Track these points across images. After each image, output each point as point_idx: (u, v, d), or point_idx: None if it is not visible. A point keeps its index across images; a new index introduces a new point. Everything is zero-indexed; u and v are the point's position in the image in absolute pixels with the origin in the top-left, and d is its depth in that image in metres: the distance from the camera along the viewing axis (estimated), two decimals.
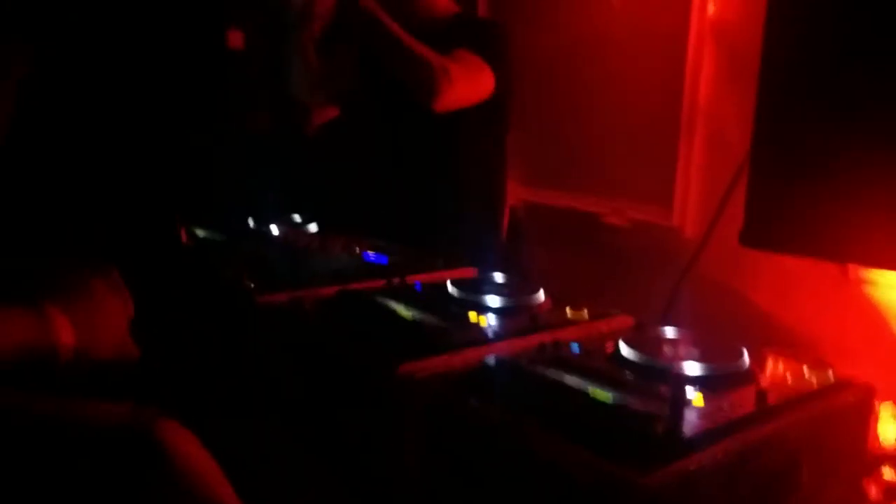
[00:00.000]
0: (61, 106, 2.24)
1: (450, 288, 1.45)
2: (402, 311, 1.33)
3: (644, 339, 1.20)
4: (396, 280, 1.52)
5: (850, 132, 0.93)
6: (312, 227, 2.01)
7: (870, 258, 0.91)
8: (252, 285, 1.48)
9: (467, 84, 1.97)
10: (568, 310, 1.39)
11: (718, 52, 2.44)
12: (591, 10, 2.77)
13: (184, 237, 1.83)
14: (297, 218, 2.06)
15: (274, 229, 1.96)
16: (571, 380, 1.02)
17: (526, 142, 3.00)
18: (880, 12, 0.92)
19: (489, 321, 1.31)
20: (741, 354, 1.11)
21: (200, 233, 1.91)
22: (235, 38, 2.28)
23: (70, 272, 1.08)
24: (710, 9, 2.42)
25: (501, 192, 2.32)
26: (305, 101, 2.19)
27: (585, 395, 0.97)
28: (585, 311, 1.39)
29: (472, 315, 1.32)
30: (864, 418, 1.09)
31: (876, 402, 1.40)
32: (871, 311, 2.06)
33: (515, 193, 3.07)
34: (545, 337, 1.22)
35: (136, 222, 2.05)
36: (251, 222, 2.00)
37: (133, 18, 2.38)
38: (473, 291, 1.42)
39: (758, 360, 1.14)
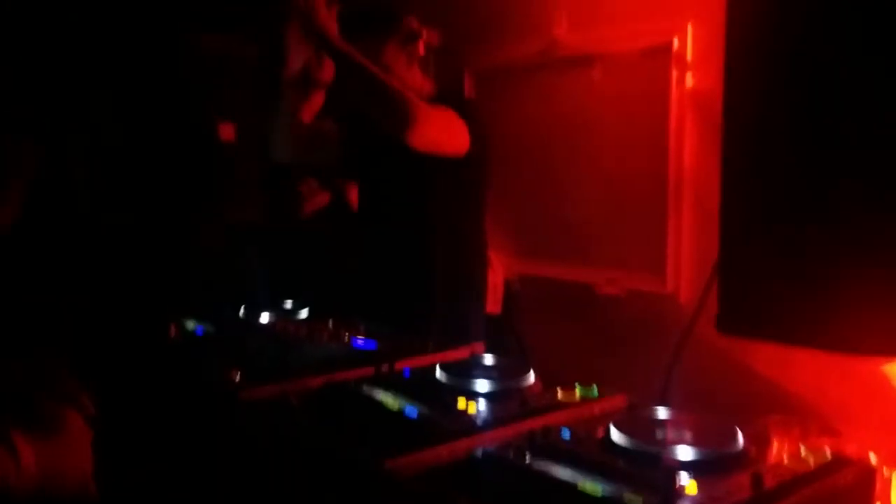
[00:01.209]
0: (60, 200, 2.27)
1: (438, 374, 1.42)
2: (390, 401, 1.30)
3: (636, 422, 1.17)
4: (385, 367, 1.49)
5: (819, 217, 0.93)
6: (303, 314, 1.99)
7: (848, 345, 0.90)
8: (237, 379, 1.46)
9: (441, 125, 1.99)
10: (559, 391, 1.37)
11: (700, 121, 2.47)
12: (574, 85, 2.82)
13: (172, 331, 1.81)
14: (288, 304, 2.05)
15: (264, 317, 1.95)
16: (561, 472, 0.99)
17: (519, 215, 3.02)
18: (843, 98, 0.94)
19: (478, 407, 1.28)
20: (736, 436, 1.08)
21: (190, 324, 1.90)
22: (227, 131, 2.32)
23: (46, 400, 1.07)
24: (689, 81, 2.47)
25: (484, 267, 2.31)
26: (286, 163, 2.22)
27: (575, 489, 0.94)
28: (577, 392, 1.37)
29: (461, 401, 1.29)
30: (866, 497, 1.05)
31: (885, 469, 1.36)
32: (875, 375, 2.03)
33: (510, 266, 3.07)
34: (535, 423, 1.19)
35: (125, 317, 2.04)
36: (241, 311, 1.99)
37: (130, 113, 2.43)
38: (462, 376, 1.39)
39: (754, 439, 1.10)
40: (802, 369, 2.18)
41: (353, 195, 2.52)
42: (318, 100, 2.10)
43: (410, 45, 2.14)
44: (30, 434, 0.99)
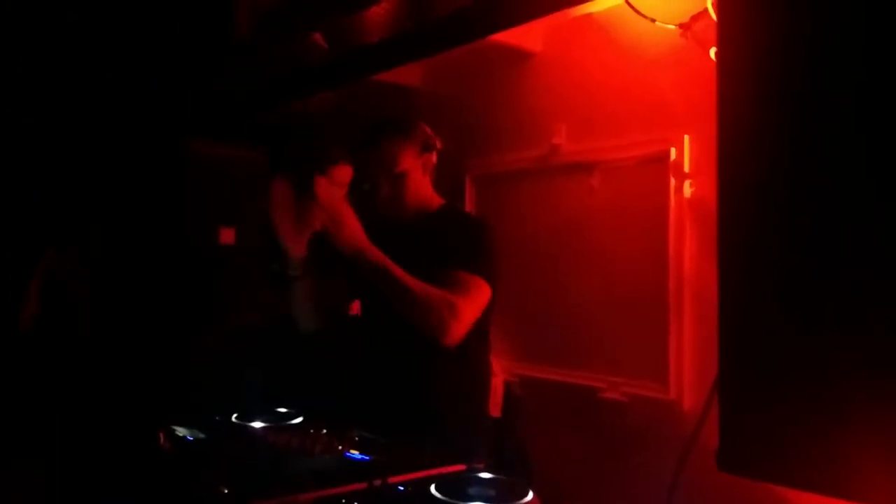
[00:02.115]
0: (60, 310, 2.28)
1: (433, 491, 1.38)
2: None
3: None
4: (378, 482, 1.45)
5: (823, 351, 0.91)
6: (296, 420, 1.95)
7: (855, 494, 0.86)
8: (226, 491, 1.41)
9: (472, 311, 1.96)
10: None
11: (699, 229, 2.50)
12: (573, 191, 2.87)
13: (162, 440, 1.77)
14: (281, 411, 2.01)
15: (257, 424, 1.91)
16: None
17: (519, 318, 3.00)
18: (843, 216, 0.93)
19: None
20: None
21: (181, 431, 1.85)
22: (227, 235, 2.34)
23: None
24: (688, 190, 2.50)
25: (487, 377, 2.27)
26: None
27: None
28: None
29: None
30: None
31: None
32: None
33: (510, 369, 3.04)
34: None
35: (115, 423, 2.00)
36: (234, 417, 1.95)
37: (131, 219, 2.47)
38: (457, 495, 1.35)
39: None
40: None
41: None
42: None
43: (426, 154, 2.13)
44: None
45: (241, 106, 2.67)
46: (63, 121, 2.31)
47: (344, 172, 2.68)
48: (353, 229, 1.93)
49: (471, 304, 1.96)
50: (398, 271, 1.93)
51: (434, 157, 2.16)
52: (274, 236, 1.97)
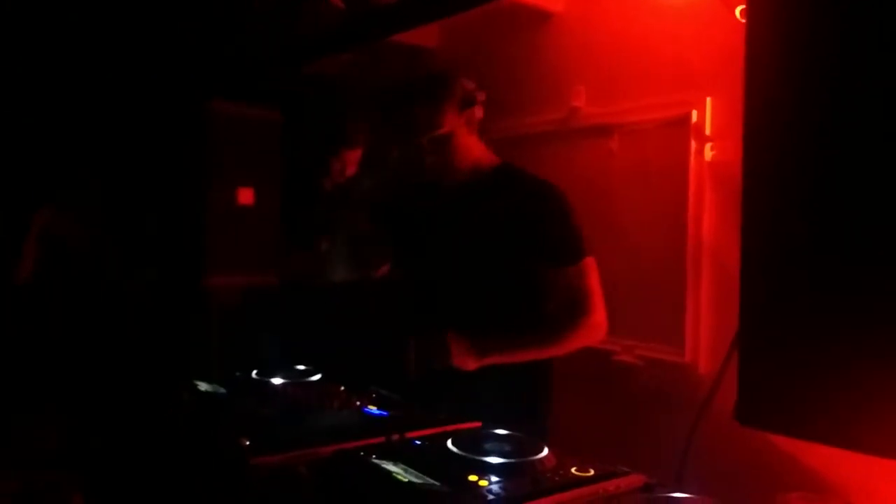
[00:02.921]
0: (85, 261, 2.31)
1: (450, 446, 1.40)
2: (400, 474, 1.28)
3: None
4: (396, 436, 1.47)
5: (844, 302, 0.91)
6: (315, 377, 1.98)
7: (875, 448, 0.87)
8: (247, 444, 1.44)
9: (600, 299, 1.95)
10: (573, 469, 1.33)
11: (719, 193, 2.48)
12: (592, 155, 2.85)
13: (185, 393, 1.80)
14: (300, 368, 2.04)
15: (276, 381, 1.94)
16: None
17: None
18: (867, 174, 0.92)
19: (490, 482, 1.25)
20: None
21: (202, 386, 1.89)
22: (246, 196, 2.35)
23: None
24: (708, 153, 2.48)
25: None
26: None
27: None
28: (591, 469, 1.33)
29: (473, 476, 1.26)
30: None
31: None
32: None
33: None
34: (548, 501, 1.16)
35: (139, 378, 2.04)
36: (254, 374, 1.98)
37: (150, 177, 2.49)
38: (474, 450, 1.37)
39: None
40: (824, 446, 2.12)
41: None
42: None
43: (468, 110, 1.97)
44: None
45: (260, 67, 2.67)
46: (77, 79, 2.32)
47: (357, 155, 2.69)
48: None
49: (596, 295, 1.93)
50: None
51: (479, 111, 2.00)
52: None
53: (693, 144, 2.51)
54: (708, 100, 2.48)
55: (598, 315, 1.93)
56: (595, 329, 1.93)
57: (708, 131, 2.49)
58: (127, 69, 2.40)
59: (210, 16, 2.57)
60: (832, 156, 1.01)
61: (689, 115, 2.51)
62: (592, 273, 1.94)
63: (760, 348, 1.00)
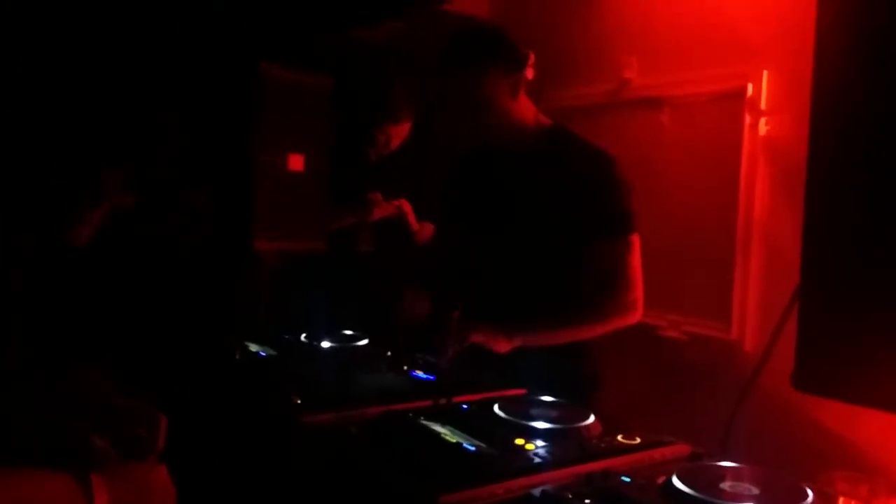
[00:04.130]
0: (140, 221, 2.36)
1: (497, 410, 1.42)
2: (447, 435, 1.30)
3: (699, 472, 1.14)
4: (443, 400, 1.49)
5: None
6: (362, 342, 2.01)
7: None
8: (299, 403, 1.48)
9: (639, 278, 1.89)
10: (619, 437, 1.34)
11: (772, 169, 2.43)
12: (643, 127, 2.81)
13: (237, 353, 1.85)
14: (347, 332, 2.07)
15: (325, 344, 1.98)
16: None
17: None
18: None
19: (536, 447, 1.27)
20: (805, 494, 1.05)
21: (252, 347, 1.94)
22: (296, 162, 2.37)
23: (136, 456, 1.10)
24: (763, 127, 2.43)
25: None
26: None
27: None
28: (638, 437, 1.34)
29: (519, 440, 1.28)
30: None
31: None
32: None
33: None
34: (594, 466, 1.17)
35: (192, 336, 2.09)
36: (303, 337, 2.02)
37: (203, 140, 2.53)
38: (521, 415, 1.38)
39: (824, 497, 1.06)
40: (871, 425, 2.09)
41: (411, 213, 2.57)
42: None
43: (514, 73, 1.86)
44: (109, 478, 0.99)
45: (310, 31, 2.67)
46: (129, 42, 2.35)
47: (404, 130, 2.69)
48: None
49: (637, 274, 1.88)
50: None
51: (526, 74, 1.89)
52: None
53: (747, 118, 2.46)
54: (764, 73, 2.42)
55: (635, 293, 1.87)
56: (630, 309, 1.87)
57: (763, 105, 2.44)
58: (182, 33, 2.43)
59: None
60: None
61: (744, 88, 2.46)
62: (636, 250, 1.88)
63: (819, 315, 0.99)
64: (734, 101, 2.49)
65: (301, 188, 2.41)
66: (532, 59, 1.89)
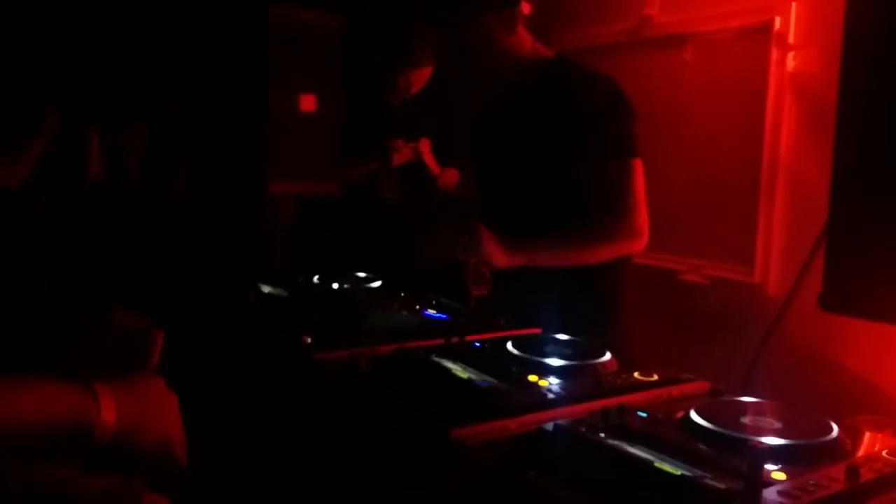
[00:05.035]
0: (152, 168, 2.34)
1: (510, 347, 1.38)
2: (459, 371, 1.27)
3: (719, 407, 1.10)
4: (455, 339, 1.46)
5: None
6: (375, 284, 1.99)
7: None
8: (310, 340, 1.46)
9: (643, 203, 1.89)
10: (636, 373, 1.31)
11: (799, 106, 2.34)
12: (665, 66, 2.72)
13: (249, 294, 1.83)
14: (361, 275, 2.05)
15: (338, 286, 1.95)
16: (636, 451, 0.93)
17: None
18: None
19: (550, 383, 1.23)
20: (828, 426, 1.01)
21: (265, 288, 1.92)
22: (308, 102, 2.33)
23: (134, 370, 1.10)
24: (790, 63, 2.33)
25: None
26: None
27: (651, 467, 0.89)
28: (655, 374, 1.30)
29: (532, 377, 1.25)
30: None
31: None
32: None
33: None
34: (610, 402, 1.14)
35: (206, 279, 2.08)
36: (316, 279, 2.00)
37: (213, 82, 2.48)
38: (534, 351, 1.35)
39: (849, 432, 1.02)
40: None
41: (429, 154, 2.53)
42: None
43: (510, 8, 1.85)
44: (114, 388, 1.00)
45: None
46: None
47: (424, 74, 2.62)
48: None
49: (639, 198, 1.87)
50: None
51: (521, 8, 1.87)
52: None
53: (774, 54, 2.36)
54: (793, 5, 2.31)
55: (639, 218, 1.85)
56: (635, 233, 1.85)
57: (791, 39, 2.34)
58: None
59: None
60: None
61: (771, 22, 2.35)
62: (638, 174, 1.86)
63: (846, 234, 0.95)
64: (760, 36, 2.39)
65: (314, 130, 2.36)
66: None
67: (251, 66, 2.38)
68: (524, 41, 1.92)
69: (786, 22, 2.33)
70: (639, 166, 1.86)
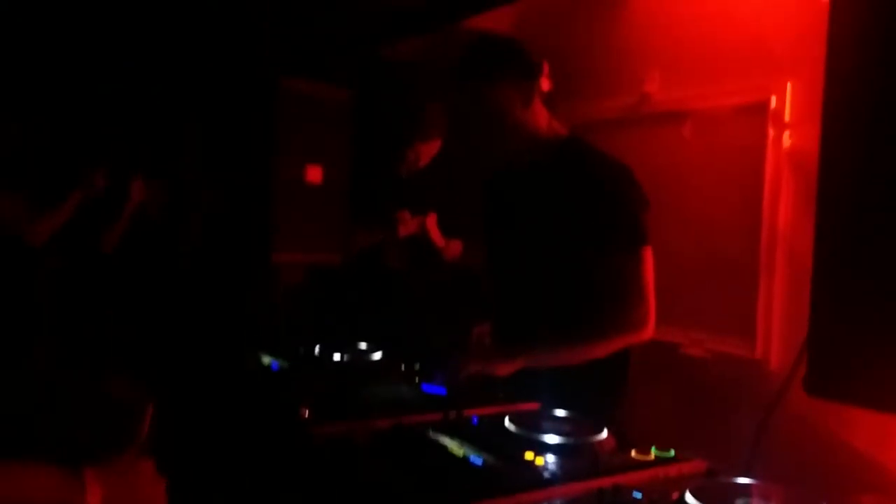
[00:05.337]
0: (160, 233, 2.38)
1: (507, 424, 1.38)
2: (456, 448, 1.27)
3: (715, 490, 1.10)
4: (453, 414, 1.46)
5: None
6: (376, 355, 1.99)
7: None
8: (307, 414, 1.46)
9: (651, 294, 1.81)
10: (633, 452, 1.30)
11: (797, 181, 2.38)
12: (665, 141, 2.77)
13: (249, 364, 1.84)
14: (362, 346, 2.05)
15: (337, 357, 1.96)
16: None
17: None
18: None
19: (546, 461, 1.23)
20: None
21: (266, 359, 1.92)
22: (314, 173, 2.38)
23: (122, 445, 1.12)
24: (787, 140, 2.38)
25: None
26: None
27: None
28: (652, 453, 1.30)
29: (529, 454, 1.25)
30: None
31: None
32: None
33: None
34: (606, 481, 1.13)
35: (206, 346, 2.09)
36: (316, 350, 2.00)
37: (222, 154, 2.54)
38: (532, 428, 1.35)
39: None
40: None
41: (434, 228, 2.55)
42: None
43: (525, 83, 1.81)
44: (101, 472, 1.01)
45: (333, 46, 2.69)
46: (159, 55, 2.38)
47: (434, 147, 2.68)
48: None
49: (648, 289, 1.80)
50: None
51: (540, 84, 1.83)
52: None
53: (771, 131, 2.42)
54: (788, 84, 2.38)
55: (646, 309, 1.79)
56: (640, 325, 1.79)
57: (787, 117, 2.39)
58: (203, 45, 2.46)
59: None
60: None
61: (767, 101, 2.42)
62: (648, 264, 1.81)
63: (829, 321, 0.96)
64: (757, 114, 2.45)
65: (319, 200, 2.41)
66: (546, 68, 1.84)
67: (259, 136, 2.44)
68: (540, 117, 1.88)
69: (781, 100, 2.40)
70: (649, 255, 1.81)
